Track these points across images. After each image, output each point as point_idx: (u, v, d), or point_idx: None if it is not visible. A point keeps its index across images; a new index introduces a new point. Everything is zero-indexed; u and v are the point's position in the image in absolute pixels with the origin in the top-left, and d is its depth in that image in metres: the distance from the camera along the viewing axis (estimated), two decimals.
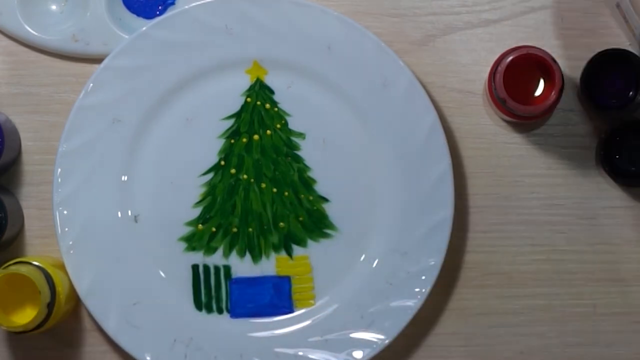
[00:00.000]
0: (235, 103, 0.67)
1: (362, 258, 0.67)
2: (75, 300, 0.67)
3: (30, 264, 0.64)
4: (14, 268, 0.62)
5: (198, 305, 0.67)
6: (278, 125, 0.67)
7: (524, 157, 0.68)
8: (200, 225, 0.67)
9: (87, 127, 0.66)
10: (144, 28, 0.67)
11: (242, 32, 0.66)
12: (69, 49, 0.68)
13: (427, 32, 0.69)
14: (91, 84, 0.66)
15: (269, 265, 0.67)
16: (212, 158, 0.67)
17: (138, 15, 0.69)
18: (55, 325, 0.66)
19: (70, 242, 0.66)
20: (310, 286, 0.67)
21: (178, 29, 0.66)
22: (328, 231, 0.67)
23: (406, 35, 0.69)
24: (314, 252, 0.67)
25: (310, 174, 0.67)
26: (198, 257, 0.67)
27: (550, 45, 0.67)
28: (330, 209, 0.67)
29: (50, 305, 0.62)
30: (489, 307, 0.68)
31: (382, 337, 0.65)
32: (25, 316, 0.63)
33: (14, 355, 0.69)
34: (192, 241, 0.67)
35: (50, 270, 0.64)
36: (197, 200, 0.67)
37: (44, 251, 0.68)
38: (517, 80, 0.64)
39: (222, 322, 0.67)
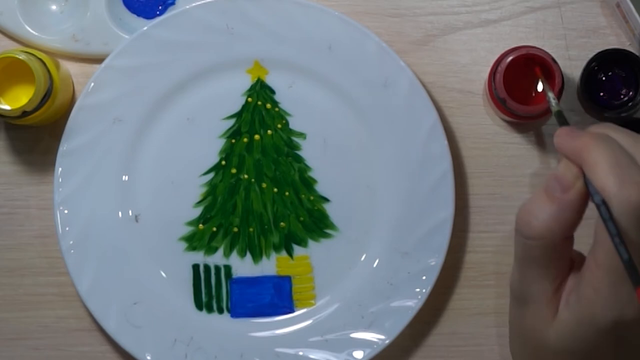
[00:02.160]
0: (236, 103, 0.67)
1: (362, 258, 0.67)
2: (72, 95, 0.68)
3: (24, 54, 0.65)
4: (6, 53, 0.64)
5: (198, 305, 0.67)
6: (279, 125, 0.67)
7: (524, 157, 0.68)
8: (200, 225, 0.67)
9: (87, 127, 0.66)
10: (144, 28, 0.67)
11: (243, 31, 0.66)
12: (69, 49, 0.68)
13: (427, 32, 0.69)
14: (92, 84, 0.66)
15: (270, 265, 0.67)
16: (213, 158, 0.67)
17: (138, 15, 0.69)
18: (53, 117, 0.67)
19: (71, 242, 0.66)
20: (310, 286, 0.67)
21: (178, 29, 0.66)
22: (328, 231, 0.67)
23: (406, 35, 0.69)
24: (314, 252, 0.67)
25: (311, 173, 0.67)
26: (199, 257, 0.67)
27: (550, 45, 0.67)
28: (330, 209, 0.67)
29: (48, 90, 0.63)
30: (489, 307, 0.68)
31: (382, 337, 0.65)
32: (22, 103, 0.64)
33: (13, 355, 0.69)
34: (193, 241, 0.67)
35: (44, 58, 0.65)
36: (198, 200, 0.67)
37: (44, 250, 0.68)
38: (517, 80, 0.64)
39: (222, 322, 0.67)
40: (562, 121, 0.55)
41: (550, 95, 0.60)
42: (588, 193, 0.47)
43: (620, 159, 0.45)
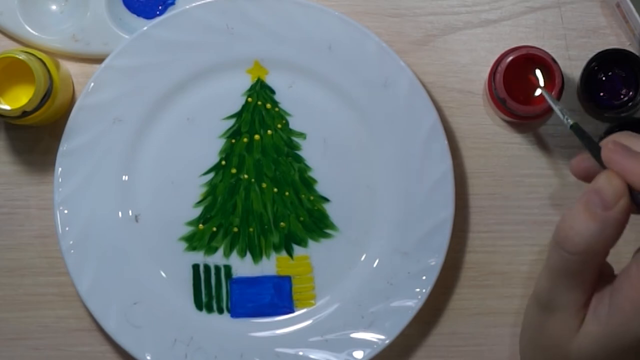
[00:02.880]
0: (236, 103, 0.67)
1: (362, 258, 0.67)
2: (72, 95, 0.68)
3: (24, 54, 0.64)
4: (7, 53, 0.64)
5: (198, 305, 0.67)
6: (279, 125, 0.67)
7: (524, 157, 0.68)
8: (200, 225, 0.67)
9: (87, 127, 0.66)
10: (144, 28, 0.66)
11: (243, 31, 0.66)
12: (69, 49, 0.68)
13: (427, 32, 0.69)
14: (92, 84, 0.66)
15: (270, 265, 0.67)
16: (213, 158, 0.67)
17: (138, 15, 0.69)
18: (53, 117, 0.67)
19: (71, 242, 0.66)
20: (310, 286, 0.67)
21: (178, 29, 0.66)
22: (328, 231, 0.67)
23: (406, 35, 0.69)
24: (314, 252, 0.67)
25: (311, 173, 0.67)
26: (199, 257, 0.67)
27: (550, 45, 0.67)
28: (330, 209, 0.67)
29: (48, 90, 0.64)
30: (489, 307, 0.68)
31: (382, 337, 0.65)
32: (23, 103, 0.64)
33: (13, 355, 0.69)
34: (193, 241, 0.67)
35: (44, 58, 0.65)
36: (198, 200, 0.67)
37: (44, 250, 0.68)
38: (517, 80, 0.64)
39: (222, 322, 0.67)
40: (582, 133, 0.52)
41: (558, 108, 0.57)
42: (630, 210, 0.45)
43: None
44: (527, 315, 0.53)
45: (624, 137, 0.49)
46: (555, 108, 0.57)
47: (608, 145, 0.47)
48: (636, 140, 0.48)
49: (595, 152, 0.49)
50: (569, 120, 0.54)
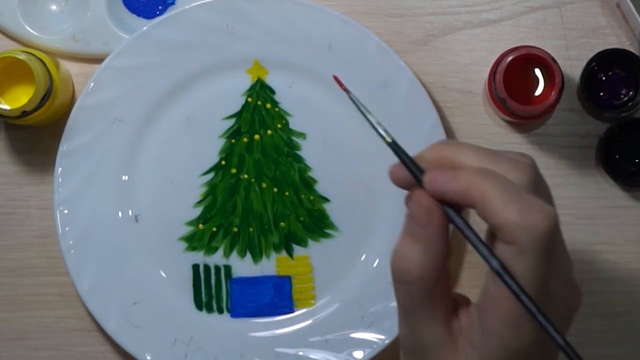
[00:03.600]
0: (236, 103, 0.67)
1: (362, 258, 0.67)
2: (72, 95, 0.68)
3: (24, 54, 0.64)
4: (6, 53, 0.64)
5: (198, 305, 0.67)
6: (279, 125, 0.67)
7: None
8: (200, 225, 0.67)
9: (87, 127, 0.66)
10: (144, 28, 0.66)
11: (243, 31, 0.66)
12: (69, 49, 0.68)
13: (427, 32, 0.69)
14: (92, 84, 0.66)
15: (270, 265, 0.67)
16: (213, 158, 0.67)
17: (138, 15, 0.69)
18: (53, 117, 0.67)
19: (71, 242, 0.66)
20: (310, 286, 0.67)
21: (178, 29, 0.66)
22: (329, 231, 0.67)
23: (406, 35, 0.69)
24: (314, 252, 0.67)
25: (311, 173, 0.67)
26: (199, 257, 0.67)
27: (550, 45, 0.67)
28: (330, 209, 0.67)
29: (48, 90, 0.64)
30: None
31: (382, 337, 0.65)
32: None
33: (13, 355, 0.69)
34: (193, 241, 0.67)
35: (44, 58, 0.65)
36: (198, 200, 0.67)
37: (44, 250, 0.68)
38: (517, 80, 0.64)
39: (222, 322, 0.67)
40: (400, 150, 0.48)
41: (373, 120, 0.49)
42: (446, 221, 0.45)
43: (512, 189, 0.43)
44: None
45: (445, 148, 0.47)
46: (372, 120, 0.49)
47: (428, 177, 0.46)
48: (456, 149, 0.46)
49: (411, 168, 0.47)
50: (388, 137, 0.48)
